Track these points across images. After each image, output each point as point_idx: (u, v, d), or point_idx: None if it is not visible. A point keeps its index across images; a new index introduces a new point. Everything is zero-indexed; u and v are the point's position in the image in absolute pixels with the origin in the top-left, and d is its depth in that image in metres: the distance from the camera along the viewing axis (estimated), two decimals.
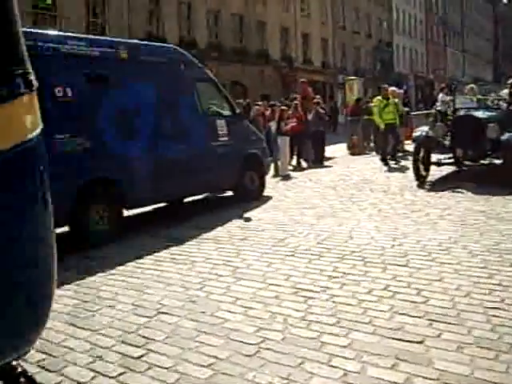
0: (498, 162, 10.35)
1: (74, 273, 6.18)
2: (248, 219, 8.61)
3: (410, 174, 11.21)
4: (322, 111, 17.08)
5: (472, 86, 13.10)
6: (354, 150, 18.40)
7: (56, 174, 7.06)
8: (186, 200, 10.45)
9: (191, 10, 32.78)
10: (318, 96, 19.94)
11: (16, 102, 1.11)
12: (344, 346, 3.79)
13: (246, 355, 3.76)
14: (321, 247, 6.53)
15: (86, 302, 5.17)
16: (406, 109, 18.52)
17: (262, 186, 10.86)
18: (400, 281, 5.11)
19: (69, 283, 5.77)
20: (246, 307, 4.70)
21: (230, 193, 10.66)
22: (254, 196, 10.39)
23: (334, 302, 4.67)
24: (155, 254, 6.79)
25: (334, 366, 3.53)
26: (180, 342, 4.05)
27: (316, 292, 4.95)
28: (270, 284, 5.28)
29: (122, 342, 4.15)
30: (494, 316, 4.14)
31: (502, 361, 3.46)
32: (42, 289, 1.11)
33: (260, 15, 38.51)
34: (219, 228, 8.05)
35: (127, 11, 28.12)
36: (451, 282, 4.98)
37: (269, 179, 11.96)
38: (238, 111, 10.65)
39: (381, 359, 3.57)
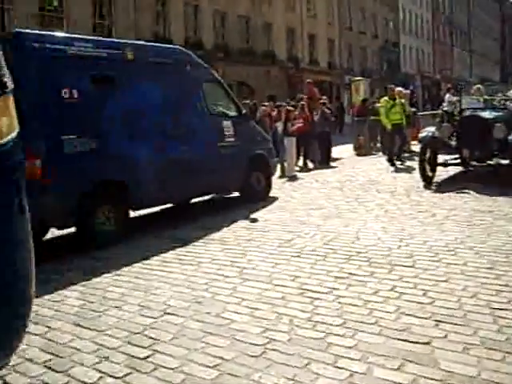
0: (504, 162, 10.31)
1: (80, 273, 6.21)
2: (254, 220, 8.62)
3: (417, 174, 11.17)
4: (328, 112, 17.07)
5: (479, 86, 13.07)
6: (361, 151, 18.38)
7: (62, 174, 7.16)
8: (193, 201, 10.47)
9: (198, 11, 32.84)
10: (324, 97, 19.95)
11: None
12: (350, 347, 3.79)
13: (252, 356, 3.76)
14: (327, 248, 6.53)
15: (92, 302, 5.19)
16: (413, 109, 18.48)
17: (269, 186, 10.85)
18: (406, 282, 5.10)
19: (75, 284, 5.80)
20: (252, 308, 4.70)
21: (236, 193, 10.66)
22: (261, 197, 10.39)
23: (340, 302, 4.67)
24: (161, 255, 6.80)
25: (339, 367, 3.52)
26: (186, 343, 4.05)
27: (322, 293, 4.94)
28: (276, 285, 5.28)
29: (129, 342, 4.16)
30: (500, 317, 4.13)
31: (509, 362, 3.44)
32: (21, 293, 1.07)
33: (266, 16, 38.53)
34: (225, 229, 8.06)
35: (133, 12, 28.19)
36: (458, 283, 4.96)
37: (275, 180, 11.95)
38: (244, 112, 10.66)
39: (387, 360, 3.56)
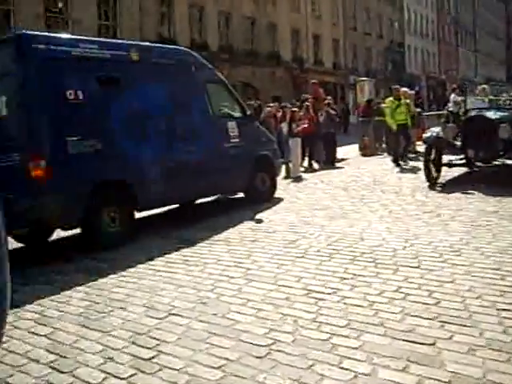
0: (510, 162, 10.27)
1: (86, 274, 6.22)
2: (259, 221, 8.61)
3: (422, 174, 11.14)
4: (333, 112, 17.04)
5: (484, 86, 13.03)
6: (366, 151, 18.35)
7: (68, 175, 7.20)
8: (197, 202, 10.47)
9: (202, 12, 32.90)
10: (329, 97, 19.92)
11: None
12: (355, 348, 3.78)
13: (257, 357, 3.76)
14: (332, 249, 6.52)
15: (97, 303, 5.20)
16: (418, 109, 18.44)
17: (273, 187, 10.85)
18: (411, 282, 5.08)
19: (80, 285, 5.81)
20: (256, 309, 4.69)
21: (241, 194, 10.66)
22: (265, 197, 10.39)
23: (344, 303, 4.66)
24: (166, 256, 6.81)
25: (344, 368, 3.52)
26: (191, 344, 4.05)
27: (327, 294, 4.93)
28: (280, 285, 5.27)
29: (133, 343, 4.16)
30: (506, 318, 4.11)
31: None
32: None
33: (271, 17, 38.55)
34: (230, 229, 8.06)
35: (139, 14, 28.24)
36: (463, 284, 4.94)
37: (280, 181, 11.95)
38: (248, 113, 10.65)
39: (392, 361, 3.55)
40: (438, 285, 4.96)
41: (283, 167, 13.14)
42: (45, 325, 4.72)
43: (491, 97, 12.01)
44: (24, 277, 6.36)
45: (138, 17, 28.21)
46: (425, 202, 9.26)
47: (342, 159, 17.05)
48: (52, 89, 7.10)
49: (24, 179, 6.79)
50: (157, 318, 4.64)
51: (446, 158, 11.16)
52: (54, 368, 3.84)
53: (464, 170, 11.46)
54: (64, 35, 8.52)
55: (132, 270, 6.31)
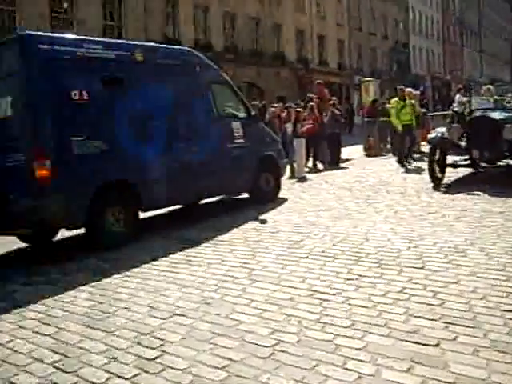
0: None
1: (90, 274, 6.23)
2: (263, 221, 8.61)
3: (427, 175, 11.10)
4: (337, 113, 17.02)
5: (489, 86, 12.98)
6: (371, 152, 18.31)
7: (72, 175, 7.22)
8: (202, 202, 10.48)
9: (207, 12, 32.90)
10: (334, 97, 19.89)
11: None
12: (359, 349, 3.77)
13: (261, 357, 3.76)
14: (336, 249, 6.51)
15: (101, 303, 5.20)
16: (423, 110, 18.41)
17: (278, 187, 10.85)
18: (416, 283, 5.07)
19: (84, 285, 5.82)
20: (260, 309, 4.69)
21: (245, 195, 10.66)
22: (270, 198, 10.38)
23: (349, 304, 4.65)
24: (170, 256, 6.81)
25: (348, 369, 3.51)
26: (194, 344, 4.06)
27: (331, 294, 4.93)
28: (285, 286, 5.27)
29: (137, 343, 4.16)
30: (511, 319, 4.10)
31: None
32: None
33: (276, 17, 38.53)
34: (235, 230, 8.06)
35: (143, 14, 28.27)
36: (467, 285, 4.93)
37: (284, 181, 11.94)
38: (253, 113, 10.65)
39: (396, 362, 3.54)
40: (442, 286, 4.95)
41: (288, 167, 13.14)
42: (49, 324, 4.73)
43: (496, 97, 11.98)
44: (28, 276, 6.39)
45: (143, 17, 28.23)
46: (430, 202, 9.23)
47: (347, 160, 17.03)
48: (56, 89, 7.11)
49: (28, 179, 6.80)
50: (161, 318, 4.65)
51: (450, 159, 11.13)
52: (58, 368, 3.85)
53: (469, 170, 11.43)
54: (68, 35, 8.53)
55: (136, 270, 6.31)
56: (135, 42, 9.60)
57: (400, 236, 6.94)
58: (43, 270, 6.69)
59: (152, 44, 10.49)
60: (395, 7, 56.77)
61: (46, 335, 4.48)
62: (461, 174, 11.63)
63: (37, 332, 4.58)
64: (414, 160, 15.15)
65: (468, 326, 4.01)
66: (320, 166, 15.96)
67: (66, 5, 24.73)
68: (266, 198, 10.27)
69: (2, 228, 7.17)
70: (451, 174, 11.39)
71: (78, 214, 7.23)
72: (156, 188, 8.16)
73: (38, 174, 6.76)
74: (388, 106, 17.36)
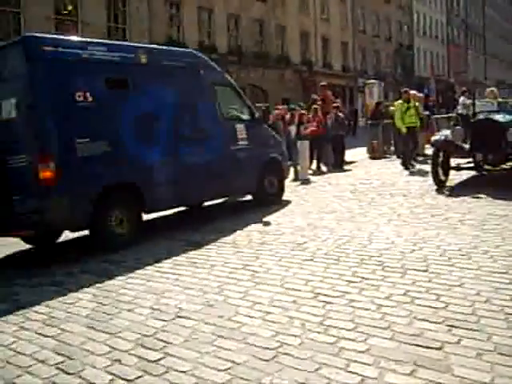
0: None
1: (93, 276, 6.24)
2: (267, 223, 8.61)
3: (431, 178, 11.07)
4: (341, 115, 17.01)
5: (492, 88, 12.95)
6: (374, 154, 18.30)
7: (76, 177, 7.24)
8: (205, 204, 10.48)
9: (211, 14, 32.93)
10: (338, 100, 19.89)
11: None
12: (362, 352, 3.77)
13: (264, 360, 3.75)
14: (340, 252, 6.50)
15: (104, 305, 5.21)
16: (426, 112, 18.39)
17: (282, 190, 10.85)
18: (419, 286, 5.06)
19: (88, 286, 5.83)
20: (264, 311, 4.69)
21: (249, 197, 10.66)
22: (273, 200, 10.38)
23: (352, 307, 4.65)
24: (174, 258, 6.82)
25: (351, 372, 3.50)
26: (197, 346, 4.06)
27: (334, 297, 4.92)
28: (288, 288, 5.27)
29: (140, 345, 4.17)
30: None
31: None
32: None
33: (280, 19, 38.57)
34: (238, 232, 8.06)
35: (148, 16, 28.32)
36: (471, 288, 4.91)
37: (288, 183, 11.95)
38: (257, 115, 10.65)
39: (399, 365, 3.54)
40: (446, 289, 4.93)
41: (291, 170, 13.14)
42: (52, 326, 4.74)
43: (500, 99, 11.95)
44: (32, 278, 6.40)
45: (147, 19, 28.28)
46: (433, 205, 9.22)
47: (351, 162, 17.01)
48: (61, 91, 7.13)
49: (32, 181, 6.82)
50: (164, 320, 4.65)
51: (454, 162, 11.11)
52: (61, 369, 3.85)
53: (472, 173, 11.41)
54: (73, 37, 8.55)
55: (139, 271, 6.32)
56: (139, 44, 9.63)
57: (403, 239, 6.93)
58: (47, 271, 6.70)
59: (156, 46, 10.52)
60: (399, 9, 56.75)
61: (49, 337, 4.49)
62: (465, 177, 11.61)
63: (40, 333, 4.58)
64: (417, 162, 15.12)
65: (472, 329, 4.00)
66: (324, 168, 15.96)
67: (70, 7, 24.78)
68: (270, 201, 10.27)
69: (5, 229, 7.18)
70: (455, 177, 11.37)
71: (82, 215, 7.24)
72: (159, 190, 8.17)
73: (42, 175, 6.78)
74: (392, 108, 17.35)
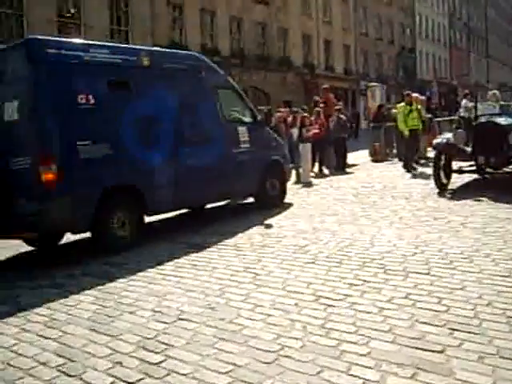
0: None
1: (95, 278, 6.25)
2: (269, 226, 8.60)
3: (433, 181, 11.07)
4: (343, 118, 17.00)
5: (494, 91, 12.96)
6: (377, 157, 18.29)
7: (78, 179, 7.24)
8: (207, 206, 10.48)
9: (214, 17, 32.97)
10: (340, 103, 19.88)
11: None
12: (363, 355, 3.76)
13: (265, 362, 3.75)
14: (341, 254, 6.50)
15: (106, 307, 5.21)
16: (429, 115, 18.39)
17: (283, 192, 10.84)
18: (421, 289, 5.05)
19: (89, 289, 5.83)
20: (265, 314, 4.68)
21: (251, 199, 10.66)
22: (275, 203, 10.38)
23: (354, 309, 4.64)
24: (175, 261, 6.82)
25: (353, 375, 3.50)
26: (199, 349, 4.05)
27: (336, 300, 4.92)
28: (290, 291, 5.26)
29: (142, 347, 4.16)
30: None
31: None
32: None
33: (282, 22, 38.60)
34: (240, 235, 8.06)
35: (150, 19, 28.35)
36: (473, 291, 4.91)
37: (290, 186, 11.94)
38: (259, 118, 10.66)
39: (400, 368, 3.53)
40: (447, 292, 4.93)
41: (293, 172, 13.14)
42: (54, 328, 4.74)
43: (502, 102, 11.93)
44: (33, 280, 6.40)
45: (150, 22, 28.32)
46: (435, 208, 9.21)
47: (353, 165, 17.01)
48: (63, 93, 7.14)
49: (34, 183, 6.82)
50: (165, 323, 4.65)
51: (456, 165, 11.10)
52: (62, 371, 3.85)
53: (474, 176, 11.40)
54: (75, 40, 8.57)
55: (141, 274, 6.32)
56: (142, 47, 9.64)
57: (405, 241, 6.93)
58: (48, 273, 6.71)
59: (158, 49, 10.53)
60: (401, 12, 56.78)
61: (50, 339, 4.49)
62: (467, 180, 11.60)
63: (41, 335, 4.58)
64: (419, 165, 15.12)
65: (473, 333, 4.00)
66: (326, 171, 15.96)
67: (73, 9, 24.83)
68: (272, 203, 10.27)
69: (7, 231, 7.18)
70: (457, 180, 11.37)
71: (84, 218, 7.24)
72: (161, 192, 8.17)
73: (44, 177, 6.79)
74: (394, 111, 17.35)
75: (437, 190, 10.65)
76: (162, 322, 4.67)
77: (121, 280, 6.12)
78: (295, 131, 15.50)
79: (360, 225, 8.20)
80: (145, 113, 8.04)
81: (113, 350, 4.15)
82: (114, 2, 26.80)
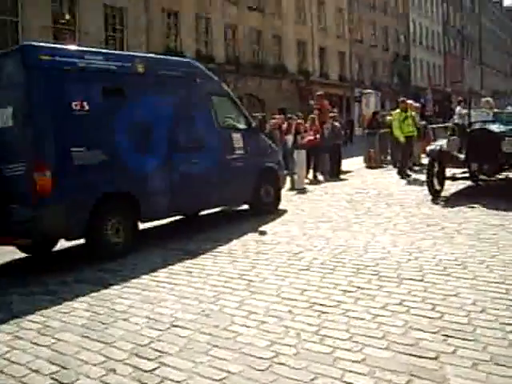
0: None
1: (89, 285, 6.22)
2: (263, 233, 8.60)
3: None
4: (337, 125, 17.03)
5: (488, 99, 13.01)
6: (371, 164, 18.32)
7: (72, 186, 7.23)
8: (202, 213, 10.47)
9: (209, 24, 33.04)
10: (335, 110, 19.92)
11: None
12: (357, 362, 3.76)
13: (259, 370, 3.74)
14: (335, 261, 6.50)
15: (99, 314, 5.19)
16: (423, 122, 18.45)
17: (278, 199, 10.84)
18: (415, 296, 5.06)
19: (83, 295, 5.81)
20: (259, 321, 4.68)
21: (245, 206, 10.66)
22: (270, 209, 10.38)
23: (347, 316, 4.64)
24: (170, 267, 6.80)
25: (346, 382, 3.50)
26: (192, 356, 4.04)
27: (330, 306, 4.92)
28: (284, 298, 5.26)
29: (135, 354, 4.15)
30: (510, 332, 4.08)
31: None
32: None
33: (277, 29, 38.71)
34: (234, 241, 8.05)
35: (145, 25, 28.39)
36: (467, 298, 4.92)
37: (285, 193, 11.94)
38: (253, 124, 10.67)
39: (394, 375, 3.53)
40: (441, 298, 4.94)
41: (288, 179, 13.15)
42: (47, 335, 4.72)
43: (495, 110, 11.97)
44: (27, 287, 6.38)
45: (145, 29, 28.36)
46: (430, 214, 9.23)
47: (347, 171, 17.03)
48: (57, 100, 7.14)
49: (29, 189, 6.81)
50: (159, 330, 4.64)
51: (450, 171, 11.13)
52: (55, 379, 3.84)
53: (468, 183, 11.43)
54: (70, 47, 8.58)
55: (135, 281, 6.31)
56: (136, 54, 9.65)
57: (399, 248, 6.94)
58: (42, 280, 6.68)
59: (153, 55, 10.54)
60: (396, 20, 57.04)
61: (43, 346, 4.47)
62: (461, 187, 11.63)
63: (34, 343, 4.56)
64: (413, 172, 15.15)
65: (467, 339, 4.00)
66: (320, 177, 15.97)
67: (68, 16, 24.85)
68: (266, 210, 10.27)
69: (1, 238, 7.16)
70: (451, 187, 11.39)
71: (78, 224, 7.22)
72: (156, 199, 8.16)
73: (38, 184, 6.77)
74: (389, 117, 17.40)
75: (431, 197, 10.66)
76: (155, 329, 4.66)
77: (115, 287, 6.10)
78: (290, 138, 15.51)
79: (354, 231, 8.21)
80: (139, 119, 8.05)
81: (106, 358, 4.13)
82: (109, 8, 26.82)
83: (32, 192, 6.80)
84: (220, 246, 7.79)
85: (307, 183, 14.79)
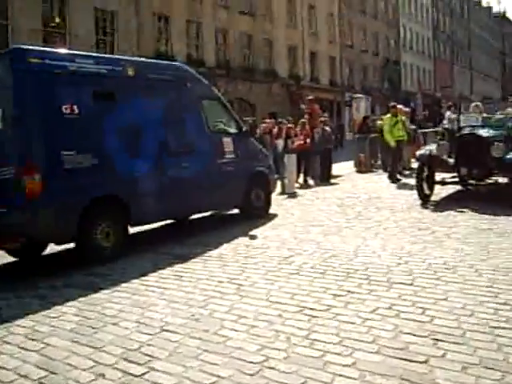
0: (503, 181, 10.27)
1: (78, 289, 6.19)
2: (253, 237, 8.59)
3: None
4: (328, 130, 17.07)
5: (477, 103, 13.07)
6: (361, 168, 18.37)
7: (62, 190, 7.19)
8: (192, 217, 10.45)
9: (199, 28, 33.04)
10: (325, 114, 19.98)
11: None
12: (347, 366, 3.76)
13: (249, 374, 3.74)
14: (326, 265, 6.50)
15: (89, 318, 5.16)
16: (413, 127, 18.53)
17: (268, 203, 10.84)
18: (405, 300, 5.07)
19: (72, 300, 5.78)
20: (249, 325, 4.67)
21: (235, 210, 10.65)
22: (260, 213, 10.37)
23: (338, 320, 4.64)
24: (159, 272, 6.78)
25: None
26: (182, 360, 4.03)
27: (320, 311, 4.91)
28: (273, 302, 5.25)
29: (125, 359, 4.13)
30: (499, 336, 4.10)
31: (508, 382, 3.42)
32: None
33: (268, 33, 38.78)
34: (224, 245, 8.04)
35: (136, 29, 28.36)
36: (457, 301, 4.93)
37: (275, 197, 11.94)
38: (244, 129, 10.67)
39: (385, 379, 3.53)
40: (431, 302, 4.95)
41: (278, 183, 13.15)
42: (36, 340, 4.68)
43: (485, 114, 12.03)
44: (16, 291, 6.33)
45: (136, 32, 28.32)
46: (420, 218, 9.26)
47: (338, 175, 17.06)
48: (47, 103, 7.11)
49: (18, 193, 6.77)
50: (149, 334, 4.62)
51: (439, 176, 11.18)
52: None
53: (457, 187, 11.48)
54: (60, 50, 8.55)
55: (125, 285, 6.28)
56: (126, 57, 9.64)
57: (389, 252, 6.95)
58: (31, 284, 6.64)
59: (143, 59, 10.53)
60: (386, 25, 57.32)
61: (32, 351, 4.44)
62: (451, 191, 11.68)
63: (23, 347, 4.53)
64: (403, 176, 15.21)
65: (457, 343, 4.01)
66: (311, 181, 16.00)
67: (58, 19, 24.77)
68: (257, 214, 10.26)
69: None
70: (441, 191, 11.44)
71: (68, 228, 7.19)
72: (146, 203, 8.14)
73: (28, 187, 6.74)
74: (380, 122, 17.47)
75: (421, 201, 10.69)
76: (145, 334, 4.63)
77: (104, 291, 6.07)
78: (280, 142, 15.55)
79: (344, 236, 8.22)
80: (129, 123, 8.03)
81: (95, 362, 4.11)
82: (99, 11, 26.77)
83: (21, 195, 6.76)
84: (210, 250, 7.77)
85: (297, 187, 14.81)
